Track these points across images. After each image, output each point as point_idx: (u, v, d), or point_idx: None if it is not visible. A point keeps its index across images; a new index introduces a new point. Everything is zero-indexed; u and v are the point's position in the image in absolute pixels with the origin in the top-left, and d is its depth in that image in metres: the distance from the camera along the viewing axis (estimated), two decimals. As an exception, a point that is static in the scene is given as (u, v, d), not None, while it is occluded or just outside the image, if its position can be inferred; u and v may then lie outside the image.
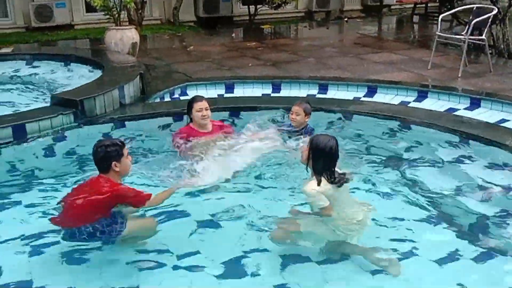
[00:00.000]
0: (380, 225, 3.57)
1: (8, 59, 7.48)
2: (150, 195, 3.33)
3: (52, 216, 3.38)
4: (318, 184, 3.18)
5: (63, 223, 3.23)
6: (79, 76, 6.71)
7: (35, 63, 7.35)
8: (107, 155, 3.23)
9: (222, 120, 5.09)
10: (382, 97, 6.35)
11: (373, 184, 4.20)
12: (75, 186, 3.45)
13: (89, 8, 12.41)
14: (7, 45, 9.11)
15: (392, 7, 15.50)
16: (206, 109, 4.59)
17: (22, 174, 4.35)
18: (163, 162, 4.34)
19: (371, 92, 6.50)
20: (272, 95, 6.58)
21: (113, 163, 3.24)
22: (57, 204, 3.49)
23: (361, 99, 6.25)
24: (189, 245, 3.42)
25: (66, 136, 4.88)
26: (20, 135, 4.65)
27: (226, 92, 6.68)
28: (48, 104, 5.29)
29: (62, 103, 5.12)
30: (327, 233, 3.28)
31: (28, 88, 6.56)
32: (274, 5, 12.35)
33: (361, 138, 5.14)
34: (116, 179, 3.28)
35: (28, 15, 12.20)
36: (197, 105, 4.59)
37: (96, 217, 3.15)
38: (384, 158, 4.73)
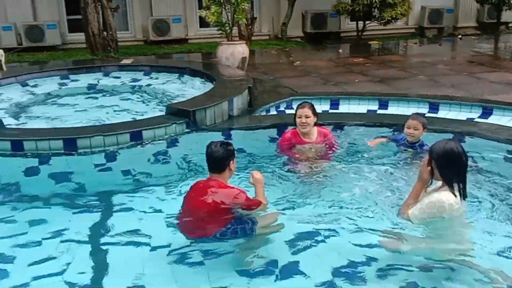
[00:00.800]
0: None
1: (128, 69, 8.03)
2: (259, 202, 3.42)
3: (177, 222, 3.51)
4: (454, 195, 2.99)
5: (193, 233, 3.37)
6: (192, 87, 7.05)
7: (153, 74, 7.83)
8: (226, 154, 3.36)
9: (327, 128, 5.04)
10: (498, 119, 5.96)
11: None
12: (190, 191, 3.52)
13: (203, 24, 13.03)
14: (128, 57, 9.81)
15: (510, 24, 14.60)
16: (306, 117, 4.59)
17: (134, 177, 4.61)
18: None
19: (486, 113, 6.13)
20: (379, 112, 6.45)
21: (230, 161, 3.38)
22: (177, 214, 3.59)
23: (474, 120, 5.93)
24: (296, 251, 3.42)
25: (178, 143, 5.14)
26: (137, 140, 4.98)
27: (331, 108, 6.64)
28: (163, 113, 5.60)
29: (176, 112, 5.39)
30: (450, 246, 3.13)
31: (146, 97, 6.99)
32: (384, 21, 12.13)
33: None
34: (226, 179, 3.40)
35: (147, 29, 13.05)
36: (298, 112, 4.65)
37: (225, 221, 3.27)
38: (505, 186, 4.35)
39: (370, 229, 3.53)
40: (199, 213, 3.31)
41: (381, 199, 3.89)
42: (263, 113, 6.32)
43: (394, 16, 11.97)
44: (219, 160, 3.35)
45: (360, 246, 3.41)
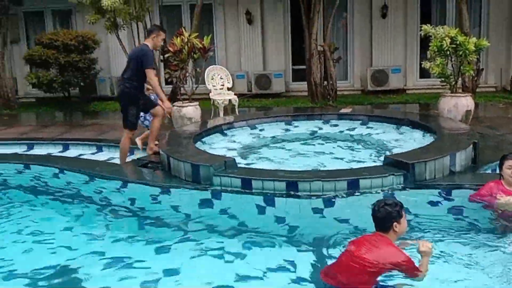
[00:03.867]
0: None
1: (346, 118, 8.27)
2: (421, 271, 3.29)
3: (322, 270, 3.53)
4: None
5: (336, 281, 3.31)
6: (411, 139, 6.93)
7: (370, 124, 7.93)
8: (388, 215, 3.28)
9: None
10: None
11: None
12: (355, 241, 3.50)
13: (423, 74, 12.79)
14: (346, 106, 10.12)
15: None
16: None
17: (350, 225, 4.67)
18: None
19: None
20: None
21: (394, 223, 3.27)
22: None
23: None
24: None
25: (394, 195, 5.07)
26: (354, 189, 5.06)
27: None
28: (380, 164, 5.61)
29: (393, 164, 5.35)
30: None
31: (362, 146, 7.10)
32: None
33: None
34: (393, 238, 3.31)
35: (365, 79, 13.31)
36: (508, 163, 4.58)
37: (373, 281, 3.19)
38: None
39: None
40: (353, 265, 3.23)
41: None
42: (488, 171, 5.86)
43: None
44: (380, 220, 3.31)
45: None
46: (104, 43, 13.61)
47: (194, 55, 8.47)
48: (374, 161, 6.12)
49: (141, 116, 7.22)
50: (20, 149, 7.90)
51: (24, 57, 13.24)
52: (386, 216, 3.32)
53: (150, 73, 6.44)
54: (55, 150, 7.79)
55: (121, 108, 6.72)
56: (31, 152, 7.84)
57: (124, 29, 12.28)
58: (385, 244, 3.27)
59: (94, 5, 11.33)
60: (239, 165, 5.66)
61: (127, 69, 6.56)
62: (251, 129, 8.08)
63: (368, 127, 7.92)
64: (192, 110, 8.28)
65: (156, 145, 6.90)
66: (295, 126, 8.20)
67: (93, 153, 7.56)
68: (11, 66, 14.15)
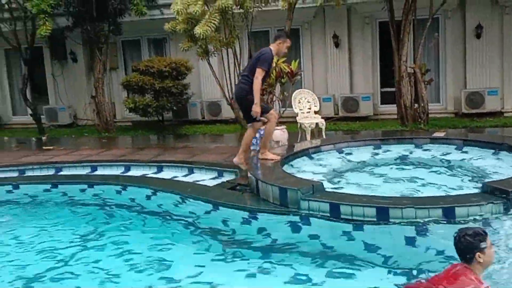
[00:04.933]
0: None
1: (440, 142, 7.94)
2: None
3: None
4: None
5: None
6: (511, 166, 6.51)
7: (465, 149, 7.56)
8: (470, 246, 3.11)
9: None
10: None
11: None
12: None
13: (523, 96, 12.06)
14: (439, 129, 9.74)
15: None
16: None
17: (444, 255, 4.45)
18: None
19: None
20: None
21: (477, 254, 3.08)
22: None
23: None
24: None
25: (491, 225, 4.77)
26: (449, 217, 4.83)
27: None
28: (477, 191, 5.32)
29: (492, 191, 5.05)
30: None
31: (457, 172, 6.77)
32: None
33: None
34: (477, 270, 3.12)
35: (459, 101, 12.76)
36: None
37: None
38: None
39: None
40: None
41: None
42: None
43: None
44: (461, 251, 3.15)
45: None
46: (196, 69, 14.16)
47: (282, 79, 8.59)
48: (471, 188, 5.81)
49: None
50: (118, 171, 8.36)
51: (122, 83, 14.08)
52: (467, 247, 3.17)
53: (259, 72, 6.48)
54: (149, 172, 8.16)
55: (240, 106, 6.97)
56: (128, 173, 8.27)
57: (214, 55, 12.72)
58: (464, 275, 3.10)
59: (187, 34, 11.86)
60: (326, 190, 5.61)
61: (246, 67, 6.86)
62: (338, 153, 7.99)
63: (463, 152, 7.55)
64: (279, 134, 8.36)
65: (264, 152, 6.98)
66: (385, 150, 8.00)
67: (185, 175, 7.82)
68: (110, 92, 15.09)
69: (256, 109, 6.50)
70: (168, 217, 6.13)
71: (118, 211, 6.51)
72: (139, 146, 11.90)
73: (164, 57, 14.25)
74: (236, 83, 7.07)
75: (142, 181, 7.32)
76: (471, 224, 4.69)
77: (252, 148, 7.75)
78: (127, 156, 10.29)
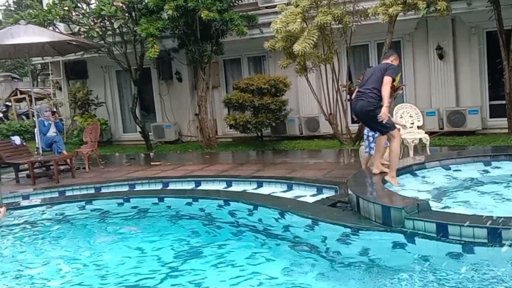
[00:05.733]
0: None
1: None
2: None
3: None
4: None
5: None
6: None
7: None
8: None
9: None
10: None
11: None
12: None
13: None
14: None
15: None
16: None
17: None
18: None
19: None
20: None
21: None
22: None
23: None
24: None
25: None
26: (495, 239, 4.47)
27: None
28: None
29: None
30: None
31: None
32: None
33: None
34: None
35: None
36: None
37: None
38: None
39: None
40: None
41: None
42: None
43: None
44: None
45: None
46: (294, 85, 14.29)
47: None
48: None
49: (368, 140, 7.50)
50: (220, 186, 8.64)
51: (223, 100, 14.57)
52: None
53: (388, 79, 6.53)
54: (250, 187, 8.33)
55: (367, 121, 6.93)
56: (230, 188, 8.51)
57: (313, 71, 12.78)
58: None
59: (286, 51, 12.03)
60: (432, 209, 5.39)
61: (369, 80, 6.71)
62: (444, 169, 7.66)
63: None
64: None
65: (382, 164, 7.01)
66: (495, 167, 7.54)
67: (283, 191, 7.90)
68: (212, 109, 15.67)
69: (386, 111, 6.47)
70: (267, 232, 6.21)
71: (221, 226, 6.71)
72: (240, 161, 12.20)
73: (263, 75, 14.55)
74: (353, 99, 7.03)
75: (241, 196, 7.49)
76: None
77: (366, 151, 7.69)
78: (229, 171, 10.59)
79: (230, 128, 14.75)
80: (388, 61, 6.82)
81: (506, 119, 11.24)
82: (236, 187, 8.47)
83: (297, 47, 11.17)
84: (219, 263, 5.37)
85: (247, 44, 14.98)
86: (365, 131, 7.69)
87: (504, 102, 11.40)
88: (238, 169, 10.95)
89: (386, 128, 6.67)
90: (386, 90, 6.51)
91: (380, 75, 6.60)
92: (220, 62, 16.36)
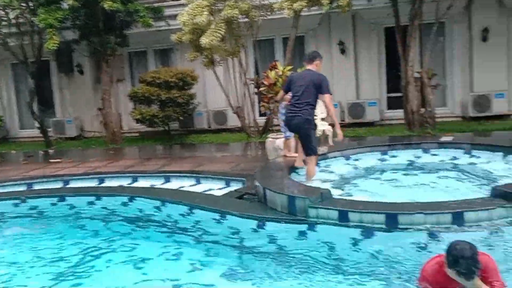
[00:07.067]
0: None
1: (447, 147, 7.90)
2: None
3: None
4: None
5: None
6: (520, 169, 6.48)
7: (474, 153, 7.51)
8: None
9: None
10: None
11: None
12: None
13: (530, 98, 11.97)
14: (447, 134, 9.68)
15: None
16: None
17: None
18: None
19: None
20: None
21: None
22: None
23: None
24: None
25: (501, 229, 4.72)
26: (458, 222, 4.79)
27: None
28: (487, 195, 5.27)
29: (503, 195, 5.01)
30: None
31: (466, 177, 6.72)
32: None
33: None
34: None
35: (466, 105, 12.69)
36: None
37: None
38: None
39: None
40: None
41: None
42: None
43: None
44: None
45: None
46: (201, 78, 14.19)
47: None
48: (480, 193, 5.75)
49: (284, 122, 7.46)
50: (125, 182, 8.37)
51: (129, 94, 14.14)
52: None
53: (330, 98, 6.65)
54: (157, 182, 8.16)
55: (301, 136, 6.79)
56: (136, 184, 8.27)
57: (220, 65, 12.75)
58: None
59: (193, 44, 11.90)
60: (335, 197, 5.58)
61: (304, 94, 6.56)
62: (346, 159, 7.97)
63: (472, 156, 7.51)
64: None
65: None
66: (392, 156, 7.97)
67: (192, 185, 7.82)
68: (116, 103, 15.15)
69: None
70: (175, 227, 6.12)
71: (124, 223, 6.51)
72: (147, 156, 11.92)
73: (170, 68, 14.29)
74: (287, 113, 6.89)
75: (149, 192, 7.32)
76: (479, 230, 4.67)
77: (285, 136, 7.77)
78: (134, 167, 10.31)
79: (137, 122, 14.35)
80: (313, 65, 6.77)
81: (402, 110, 11.92)
82: (143, 183, 8.25)
83: (204, 40, 11.08)
84: (126, 261, 5.21)
85: (153, 37, 14.62)
86: (280, 119, 7.82)
87: (400, 94, 12.08)
88: (144, 164, 10.69)
89: (310, 150, 6.66)
90: (332, 110, 6.64)
91: (314, 91, 6.54)
92: (125, 54, 15.85)
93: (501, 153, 7.26)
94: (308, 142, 6.64)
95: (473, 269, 3.25)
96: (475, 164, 7.16)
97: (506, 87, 12.51)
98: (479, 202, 5.00)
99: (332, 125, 10.48)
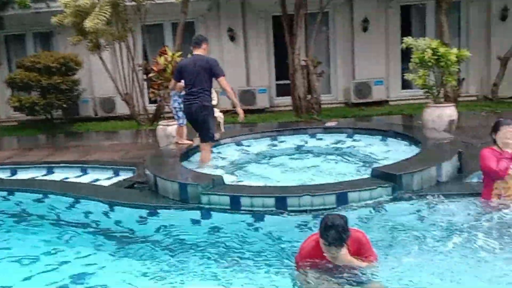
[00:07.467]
0: None
1: (332, 132, 8.30)
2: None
3: None
4: None
5: None
6: (397, 150, 6.96)
7: (356, 137, 7.96)
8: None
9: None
10: None
11: None
12: None
13: (405, 85, 12.93)
14: (331, 119, 10.16)
15: None
16: None
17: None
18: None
19: None
20: None
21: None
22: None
23: None
24: None
25: (382, 208, 5.06)
26: (342, 202, 5.05)
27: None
28: (368, 176, 5.61)
29: (381, 176, 5.36)
30: None
31: (349, 159, 7.10)
32: None
33: None
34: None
35: (348, 92, 13.41)
36: (504, 129, 4.87)
37: None
38: None
39: None
40: None
41: None
42: (475, 180, 5.90)
43: None
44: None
45: None
46: (87, 64, 13.54)
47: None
48: (362, 174, 6.11)
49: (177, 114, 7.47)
50: (3, 174, 7.77)
51: (6, 80, 13.11)
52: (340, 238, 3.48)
53: (224, 80, 6.57)
54: (39, 174, 7.67)
55: (199, 122, 6.66)
56: (15, 177, 7.72)
57: (106, 49, 12.25)
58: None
59: (76, 27, 11.30)
60: (227, 183, 5.62)
61: (197, 81, 6.50)
62: (237, 145, 8.06)
63: (354, 140, 7.95)
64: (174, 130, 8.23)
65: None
66: (281, 141, 8.20)
67: (78, 176, 7.46)
68: (-8, 90, 14.00)
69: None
70: (61, 221, 5.79)
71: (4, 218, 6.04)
72: (27, 147, 11.15)
73: (51, 52, 13.44)
74: (184, 100, 6.81)
75: (29, 185, 6.85)
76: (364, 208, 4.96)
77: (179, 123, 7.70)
78: (15, 158, 9.60)
79: (15, 110, 13.37)
80: (201, 49, 6.67)
81: (290, 97, 12.31)
82: (23, 175, 7.71)
83: (88, 24, 10.57)
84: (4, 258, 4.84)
85: (32, 19, 13.66)
86: (171, 106, 7.69)
87: (288, 82, 12.45)
88: (25, 155, 10.00)
89: (207, 136, 6.66)
90: (229, 90, 6.68)
91: (207, 76, 6.52)
92: (1, 37, 14.64)
93: (379, 137, 7.75)
94: (206, 128, 6.64)
95: (342, 236, 3.41)
96: (356, 147, 7.58)
97: (384, 75, 13.39)
98: (361, 183, 5.30)
99: (223, 111, 10.58)
